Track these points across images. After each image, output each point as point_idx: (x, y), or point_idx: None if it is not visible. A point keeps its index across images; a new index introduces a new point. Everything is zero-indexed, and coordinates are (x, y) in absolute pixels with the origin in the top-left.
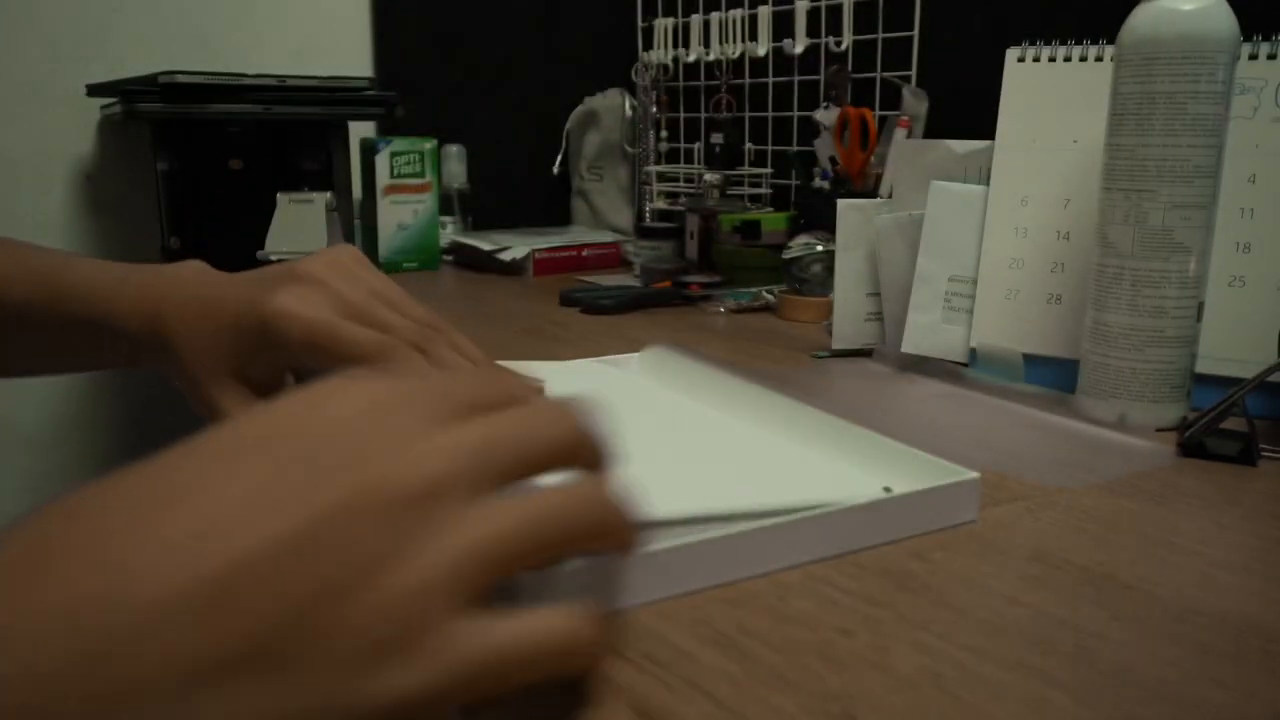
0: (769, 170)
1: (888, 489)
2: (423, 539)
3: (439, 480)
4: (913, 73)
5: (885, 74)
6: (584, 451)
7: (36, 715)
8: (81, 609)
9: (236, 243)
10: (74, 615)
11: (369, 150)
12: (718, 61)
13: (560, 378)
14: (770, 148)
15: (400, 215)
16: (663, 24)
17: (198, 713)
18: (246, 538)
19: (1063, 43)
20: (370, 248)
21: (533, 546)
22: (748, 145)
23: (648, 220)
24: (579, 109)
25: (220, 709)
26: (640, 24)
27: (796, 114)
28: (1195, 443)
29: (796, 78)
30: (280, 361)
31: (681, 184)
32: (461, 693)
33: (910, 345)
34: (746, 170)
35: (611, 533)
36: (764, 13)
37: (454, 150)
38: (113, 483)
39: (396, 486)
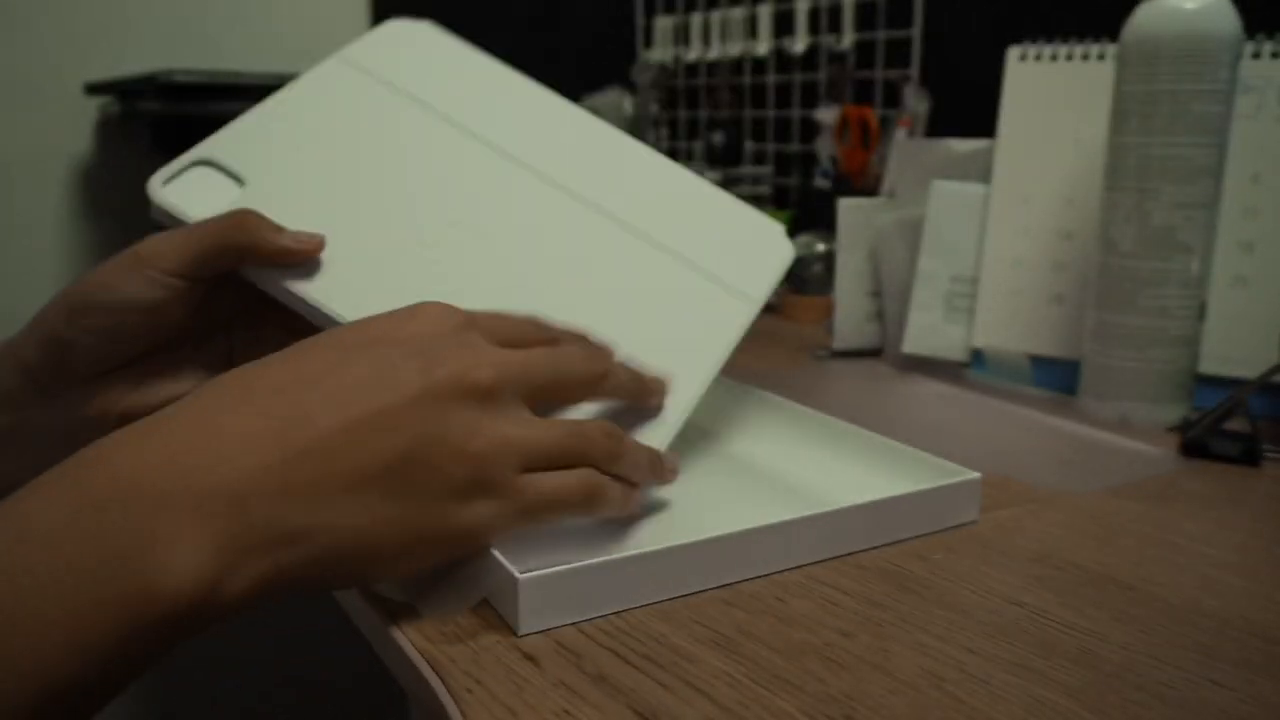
0: (769, 170)
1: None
2: (490, 420)
3: (496, 384)
4: (913, 72)
5: (886, 73)
6: (607, 385)
7: (231, 502)
8: (272, 432)
9: None
10: (264, 437)
11: None
12: (718, 61)
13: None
14: (771, 147)
15: None
16: (663, 23)
17: (347, 511)
18: (385, 395)
19: (1065, 41)
20: None
21: (559, 453)
22: (748, 144)
23: None
24: None
25: (361, 510)
26: (640, 23)
27: (797, 113)
28: (1198, 443)
29: (797, 77)
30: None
31: None
32: (508, 526)
33: (911, 345)
34: (747, 170)
35: (618, 466)
36: (764, 11)
37: None
38: (261, 366)
39: (477, 382)
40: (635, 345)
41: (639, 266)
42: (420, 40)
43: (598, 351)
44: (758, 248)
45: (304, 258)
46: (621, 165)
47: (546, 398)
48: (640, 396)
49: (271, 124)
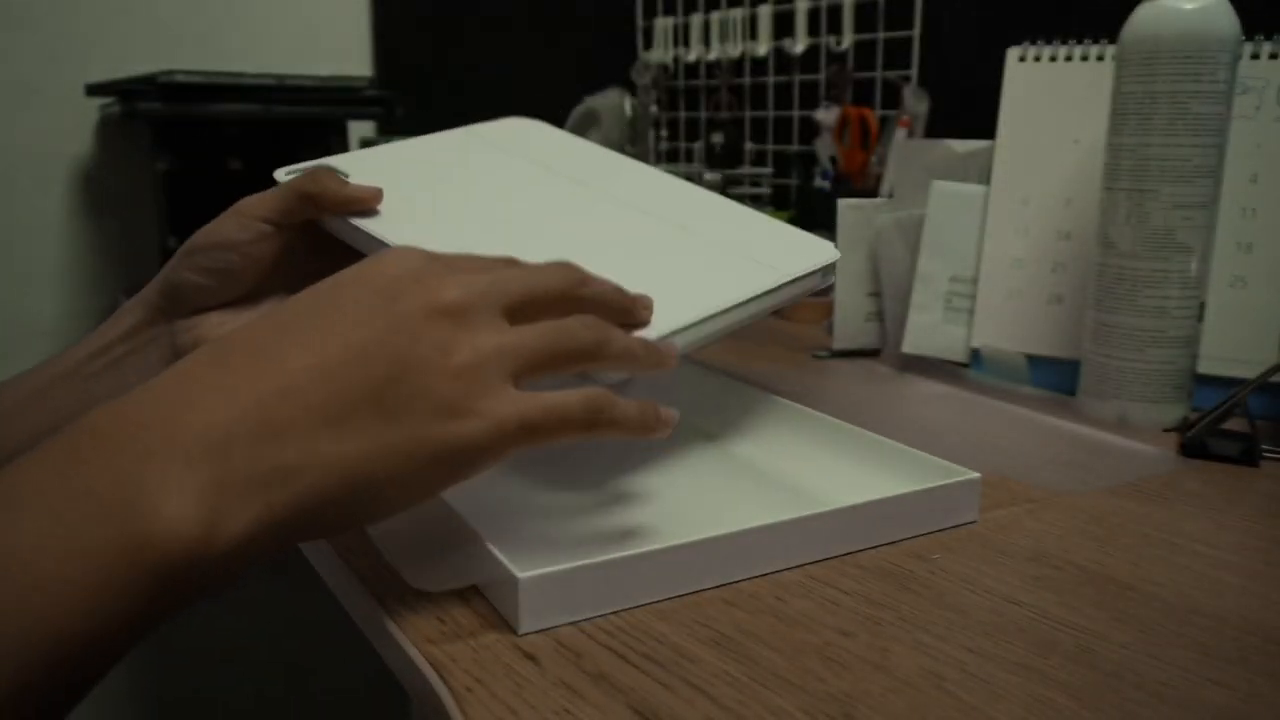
0: (769, 170)
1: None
2: (465, 334)
3: (468, 301)
4: (913, 72)
5: (886, 73)
6: (587, 294)
7: (213, 448)
8: (247, 380)
9: None
10: (239, 385)
11: None
12: (718, 61)
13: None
14: (771, 147)
15: None
16: (663, 23)
17: (332, 443)
18: (356, 332)
19: (1064, 42)
20: None
21: (546, 354)
22: (748, 145)
23: None
24: (579, 109)
25: (346, 441)
26: (640, 24)
27: (797, 114)
28: (1197, 443)
29: (797, 77)
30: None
31: None
32: (507, 442)
33: (910, 345)
34: (747, 170)
35: (608, 351)
36: (764, 12)
37: None
38: (238, 329)
39: (446, 302)
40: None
41: (681, 248)
42: (534, 128)
43: (574, 268)
44: (802, 247)
45: (364, 205)
46: (688, 197)
47: (523, 312)
48: (627, 311)
49: (383, 151)
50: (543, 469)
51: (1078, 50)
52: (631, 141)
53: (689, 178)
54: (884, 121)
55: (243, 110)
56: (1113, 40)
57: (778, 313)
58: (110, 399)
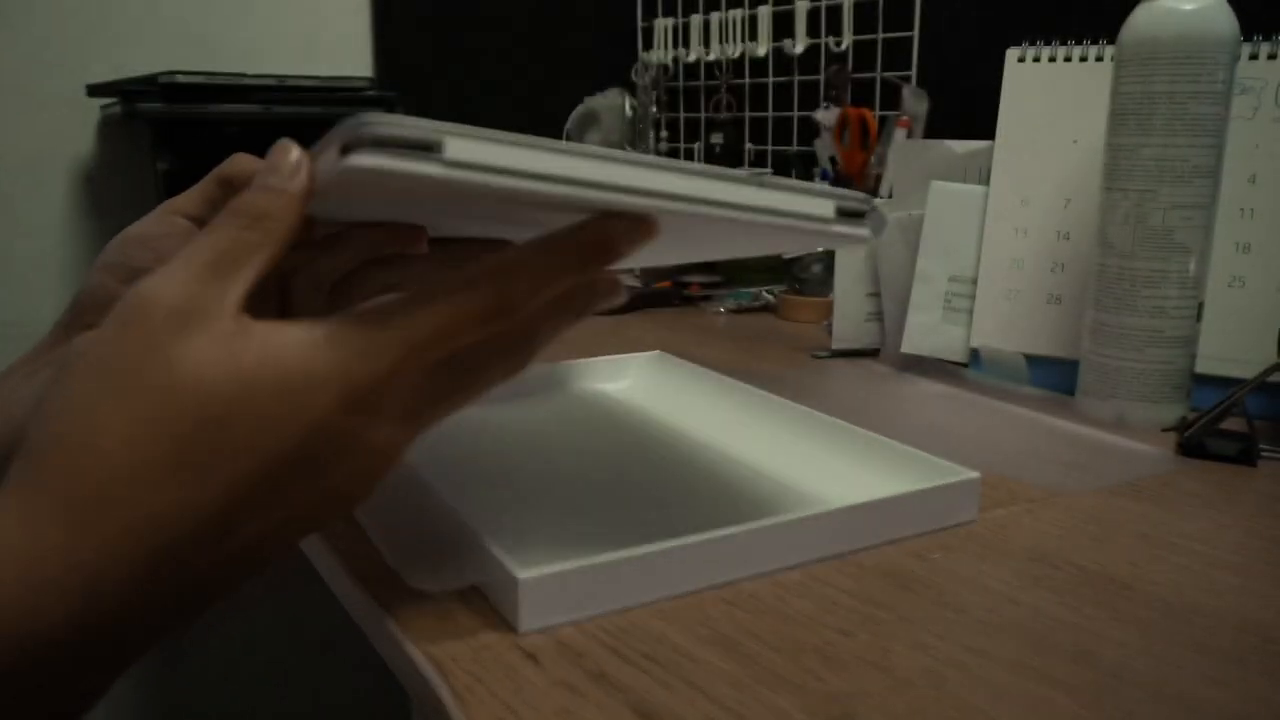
0: (769, 170)
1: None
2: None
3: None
4: (913, 73)
5: (885, 74)
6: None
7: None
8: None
9: None
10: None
11: None
12: (718, 61)
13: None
14: (770, 148)
15: None
16: (663, 24)
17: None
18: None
19: (1063, 43)
20: None
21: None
22: (748, 145)
23: None
24: (579, 109)
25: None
26: (640, 24)
27: (796, 114)
28: (1195, 443)
29: (796, 78)
30: None
31: None
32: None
33: (910, 345)
34: (747, 170)
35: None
36: (764, 13)
37: None
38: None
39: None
40: None
41: None
42: None
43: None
44: None
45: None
46: None
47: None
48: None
49: None
50: (542, 469)
51: (1077, 51)
52: (632, 142)
53: None
54: (884, 122)
55: (243, 110)
56: (1112, 40)
57: (777, 313)
58: None
